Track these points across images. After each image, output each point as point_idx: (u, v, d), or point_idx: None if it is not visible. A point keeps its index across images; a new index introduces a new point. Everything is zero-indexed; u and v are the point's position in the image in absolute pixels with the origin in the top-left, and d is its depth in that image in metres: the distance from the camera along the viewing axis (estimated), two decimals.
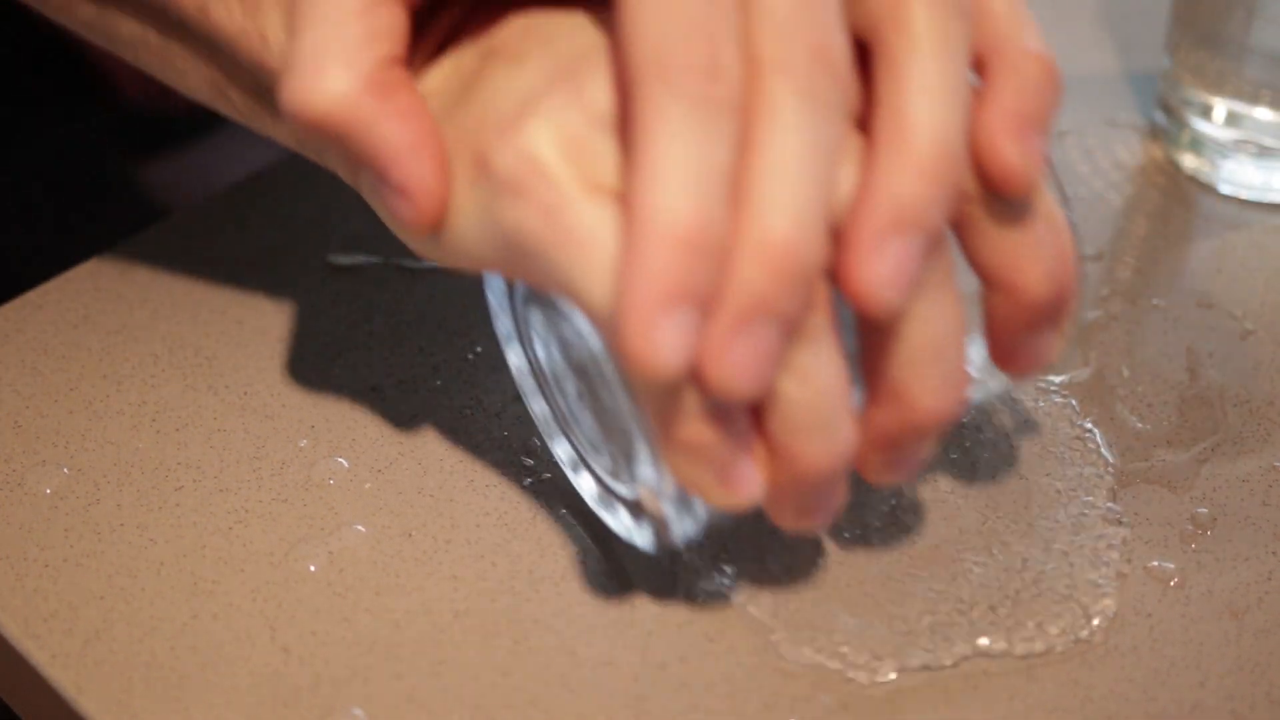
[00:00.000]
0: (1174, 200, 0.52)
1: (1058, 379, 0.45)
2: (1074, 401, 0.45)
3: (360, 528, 0.41)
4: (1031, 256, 0.35)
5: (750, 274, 0.30)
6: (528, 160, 0.32)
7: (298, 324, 0.47)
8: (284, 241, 0.49)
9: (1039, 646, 0.39)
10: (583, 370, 0.38)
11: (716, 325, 0.31)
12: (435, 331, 0.47)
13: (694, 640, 0.39)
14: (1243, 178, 0.52)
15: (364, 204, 0.51)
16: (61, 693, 0.38)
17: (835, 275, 0.32)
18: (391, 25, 0.34)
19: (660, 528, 0.37)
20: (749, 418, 0.33)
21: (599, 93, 0.33)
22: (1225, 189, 0.52)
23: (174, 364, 0.45)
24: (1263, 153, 0.51)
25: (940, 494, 0.42)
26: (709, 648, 0.39)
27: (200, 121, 0.64)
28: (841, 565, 0.40)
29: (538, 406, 0.40)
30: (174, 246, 0.49)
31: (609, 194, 0.32)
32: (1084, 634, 0.39)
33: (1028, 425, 0.44)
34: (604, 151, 0.32)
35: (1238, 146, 0.52)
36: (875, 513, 0.41)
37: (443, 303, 0.47)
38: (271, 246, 0.49)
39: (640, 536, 0.38)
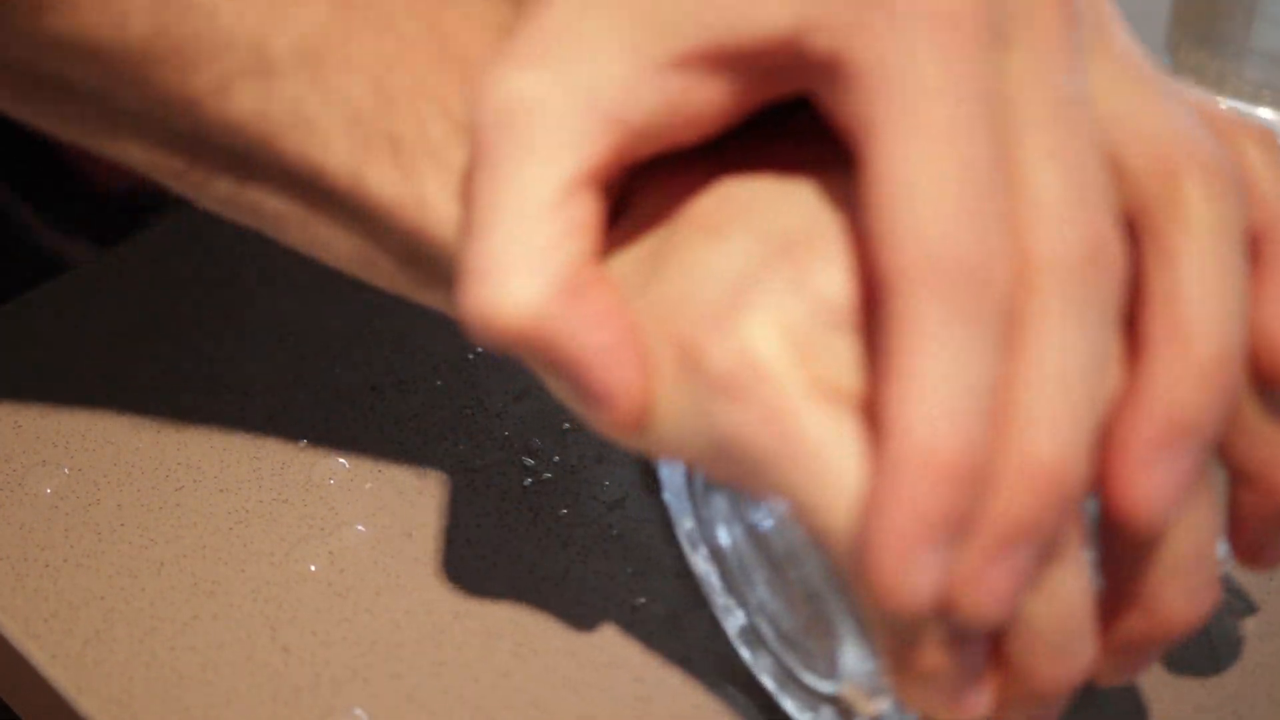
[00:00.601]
0: None
1: None
2: None
3: (360, 528, 0.41)
4: None
5: (1014, 499, 0.28)
6: (747, 359, 0.29)
7: (298, 324, 0.47)
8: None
9: None
10: (778, 561, 0.37)
11: (973, 552, 0.28)
12: (435, 331, 0.47)
13: (696, 641, 0.39)
14: None
15: None
16: (61, 693, 0.38)
17: (1096, 484, 0.30)
18: (588, 217, 0.30)
19: None
20: (987, 639, 0.30)
21: (828, 280, 0.29)
22: None
23: (174, 364, 0.45)
24: None
25: None
26: (711, 648, 0.39)
27: (165, 200, 0.64)
28: None
29: (710, 578, 0.38)
30: (174, 246, 0.49)
31: (842, 399, 0.29)
32: None
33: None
34: (836, 350, 0.29)
35: None
36: None
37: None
38: (271, 246, 0.49)
39: None
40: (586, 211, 0.30)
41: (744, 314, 0.29)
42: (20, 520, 0.41)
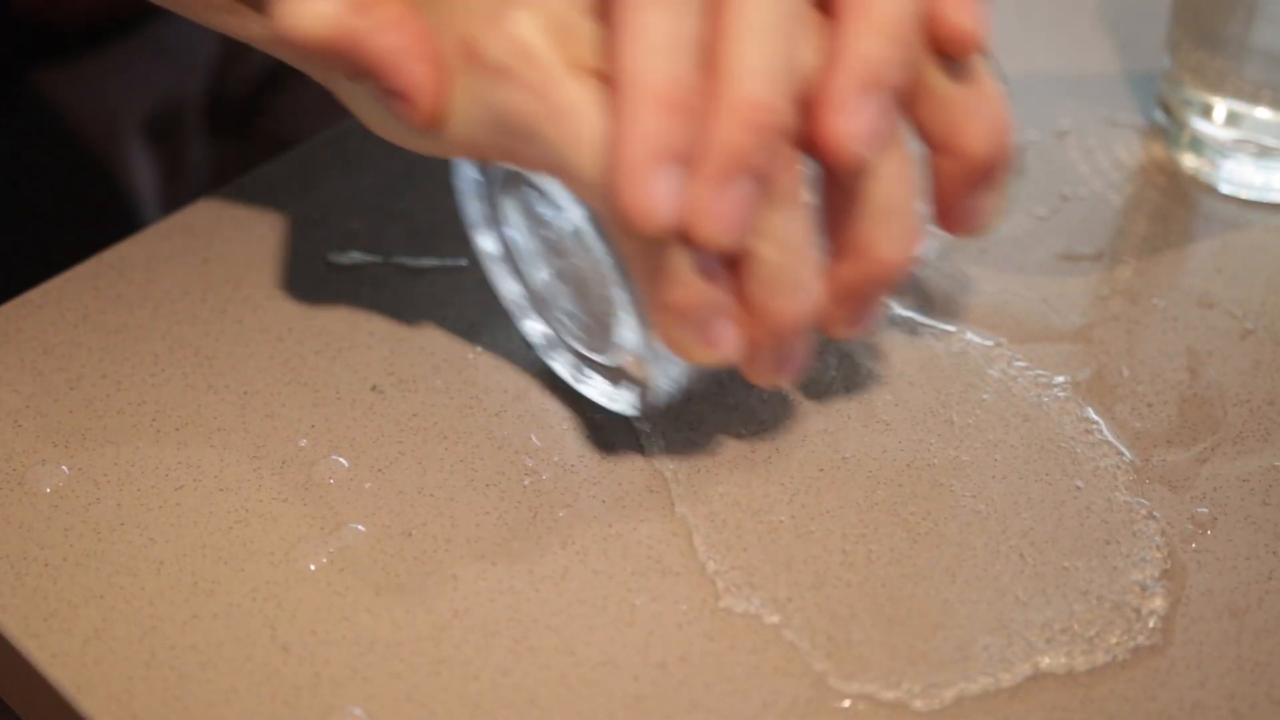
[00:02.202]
0: (1174, 200, 0.52)
1: (1060, 378, 0.45)
2: (1077, 395, 0.45)
3: (360, 527, 0.41)
4: (973, 119, 0.38)
5: (729, 132, 0.34)
6: (517, 45, 0.35)
7: (298, 324, 0.47)
8: (284, 241, 0.49)
9: (1101, 660, 0.38)
10: (561, 248, 0.42)
11: (700, 181, 0.34)
12: (435, 331, 0.47)
13: (693, 640, 0.39)
14: (1243, 177, 0.52)
15: (362, 203, 0.51)
16: (61, 692, 0.38)
17: (804, 139, 0.36)
18: None
19: (643, 389, 0.40)
20: (728, 281, 0.36)
21: None
22: (1225, 189, 0.52)
23: (174, 364, 0.45)
24: (1263, 152, 0.51)
25: (957, 499, 0.42)
26: (709, 647, 0.39)
27: (92, 32, 0.64)
28: (873, 584, 0.40)
29: (510, 287, 0.43)
30: (174, 246, 0.49)
31: (593, 73, 0.35)
32: (1141, 639, 0.39)
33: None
34: (586, 33, 0.35)
35: (1238, 146, 0.52)
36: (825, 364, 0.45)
37: (443, 303, 0.47)
38: (271, 246, 0.49)
39: (620, 402, 0.42)
40: None
41: (514, 10, 0.35)
42: (20, 520, 0.41)
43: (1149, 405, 0.45)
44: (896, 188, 0.37)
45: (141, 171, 0.67)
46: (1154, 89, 0.55)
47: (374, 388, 0.45)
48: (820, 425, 0.44)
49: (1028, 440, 0.43)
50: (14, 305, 0.47)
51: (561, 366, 0.44)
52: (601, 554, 0.41)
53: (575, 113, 0.35)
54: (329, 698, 0.37)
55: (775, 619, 0.39)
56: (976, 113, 0.38)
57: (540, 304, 0.44)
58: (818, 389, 0.45)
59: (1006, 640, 0.39)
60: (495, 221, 0.43)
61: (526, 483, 0.42)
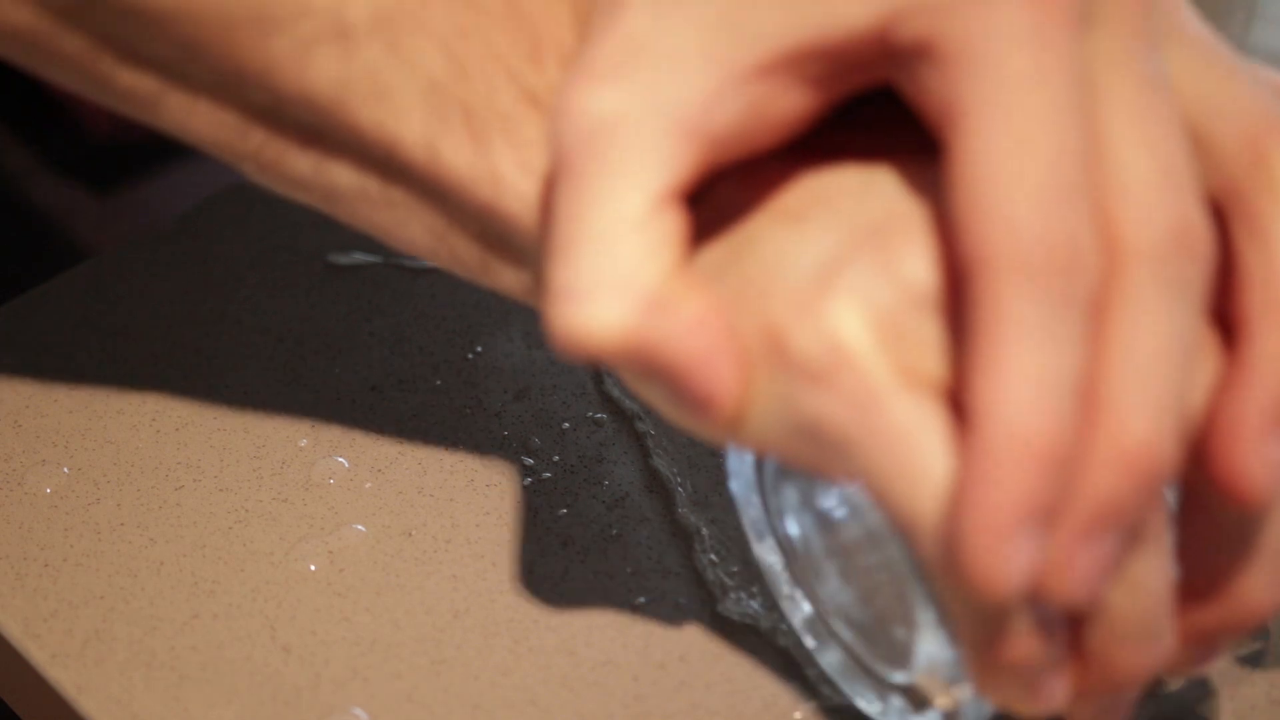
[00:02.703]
0: None
1: None
2: None
3: (360, 527, 0.41)
4: (1259, 564, 0.32)
5: (1105, 481, 0.28)
6: (834, 345, 0.29)
7: (298, 324, 0.47)
8: (284, 241, 0.49)
9: None
10: (851, 550, 0.37)
11: (1063, 534, 0.28)
12: (435, 331, 0.47)
13: (693, 640, 0.39)
14: None
15: None
16: (61, 692, 0.38)
17: (1197, 466, 0.30)
18: (674, 230, 0.29)
19: (951, 716, 0.36)
20: (1068, 628, 0.30)
21: (914, 265, 0.29)
22: None
23: (174, 364, 0.45)
24: None
25: None
26: (708, 647, 0.39)
27: (163, 149, 0.63)
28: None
29: (792, 600, 0.38)
30: (174, 246, 0.49)
31: (929, 386, 0.29)
32: None
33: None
34: (923, 336, 0.29)
35: None
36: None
37: (443, 303, 0.47)
38: (271, 246, 0.49)
39: None
40: (672, 225, 0.29)
41: (830, 299, 0.29)
42: (20, 520, 0.41)
43: None
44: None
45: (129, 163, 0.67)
46: None
47: (374, 388, 0.45)
48: None
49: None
50: (14, 305, 0.47)
51: (829, 662, 0.38)
52: (602, 554, 0.41)
53: (905, 438, 0.28)
54: (329, 698, 0.37)
55: (771, 621, 0.39)
56: (1268, 558, 0.32)
57: (809, 587, 0.38)
58: None
59: None
60: (772, 520, 0.38)
61: (526, 482, 0.42)
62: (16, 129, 0.63)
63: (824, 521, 0.37)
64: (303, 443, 0.43)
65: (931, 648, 0.34)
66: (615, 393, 0.45)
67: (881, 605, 0.36)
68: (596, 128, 0.29)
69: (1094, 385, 0.28)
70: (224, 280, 0.48)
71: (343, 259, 0.49)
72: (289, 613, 0.39)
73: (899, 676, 0.36)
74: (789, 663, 0.38)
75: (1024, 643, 0.29)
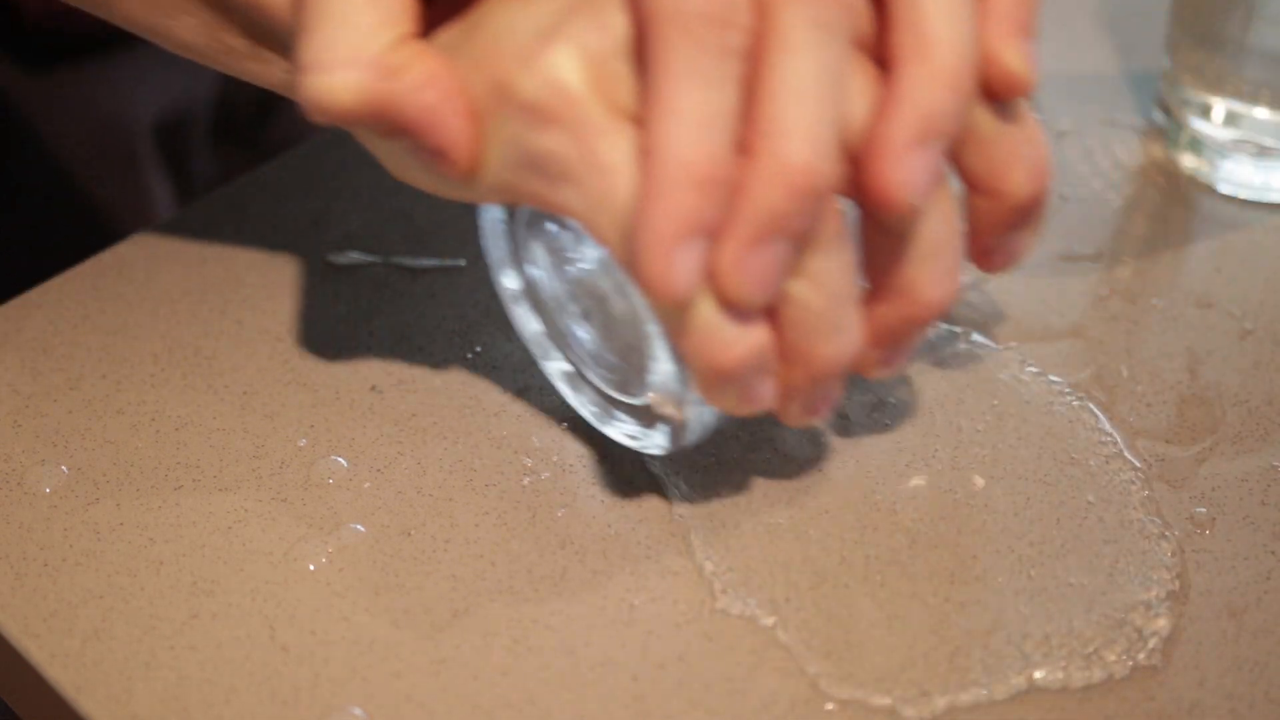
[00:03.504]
0: (1173, 200, 0.52)
1: (1058, 379, 0.45)
2: (1092, 405, 0.45)
3: (360, 527, 0.41)
4: (1016, 161, 0.37)
5: (768, 195, 0.33)
6: (555, 86, 0.34)
7: (298, 324, 0.47)
8: (283, 242, 0.49)
9: (1097, 676, 0.38)
10: (588, 288, 0.41)
11: (733, 242, 0.33)
12: (435, 331, 0.47)
13: (693, 640, 0.39)
14: (1242, 178, 0.52)
15: (362, 203, 0.51)
16: (61, 692, 0.38)
17: (854, 184, 0.35)
18: (403, 5, 0.34)
19: (676, 430, 0.40)
20: (766, 331, 0.35)
21: (617, 16, 0.34)
22: (1224, 189, 0.52)
23: (174, 364, 0.46)
24: (1262, 153, 0.51)
25: (962, 506, 0.42)
26: (708, 647, 0.39)
27: (102, 40, 0.64)
28: (871, 588, 0.40)
29: (531, 327, 0.43)
30: (173, 246, 0.49)
31: (630, 118, 0.34)
32: (1140, 658, 0.39)
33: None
34: (624, 75, 0.34)
35: (1237, 146, 0.52)
36: (857, 406, 0.44)
37: (443, 302, 0.47)
38: (271, 247, 0.49)
39: (646, 442, 0.41)
40: (400, 2, 0.34)
41: (553, 47, 0.34)
42: (20, 520, 0.41)
43: (1148, 405, 0.45)
44: (941, 230, 0.36)
45: (151, 180, 0.67)
46: (1154, 89, 0.55)
47: (374, 388, 0.45)
48: (821, 426, 0.44)
49: (1039, 450, 0.43)
50: (14, 305, 0.47)
51: (584, 406, 0.43)
52: (600, 554, 0.41)
53: (610, 165, 0.34)
54: (329, 698, 0.38)
55: (771, 620, 0.39)
56: (1019, 154, 0.38)
57: (563, 343, 0.43)
58: None
59: (1002, 651, 0.39)
60: (519, 260, 0.42)
61: (526, 482, 0.42)
62: None
63: (565, 261, 0.41)
64: (302, 443, 0.43)
65: (663, 371, 0.39)
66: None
67: (624, 345, 0.41)
68: None
69: (755, 117, 0.33)
70: (224, 280, 0.48)
71: (343, 259, 0.49)
72: (289, 613, 0.39)
73: (631, 399, 0.42)
74: (789, 662, 0.38)
75: (724, 343, 0.34)
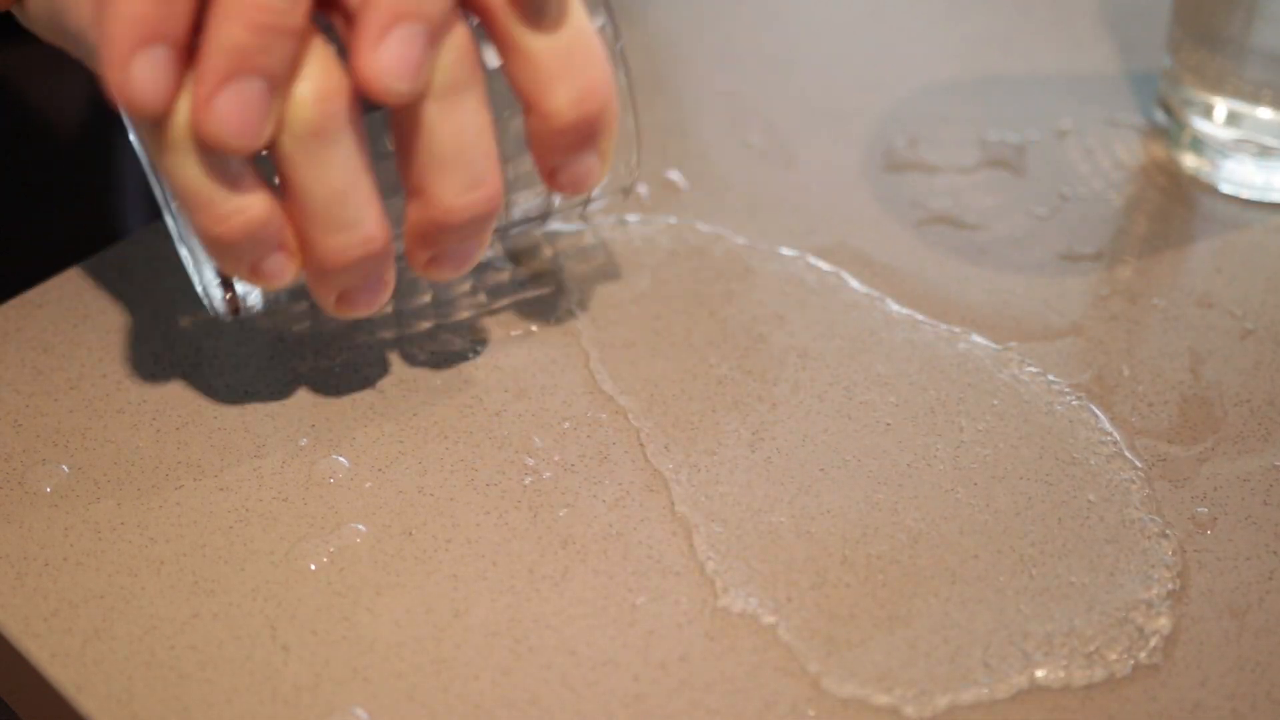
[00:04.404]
0: (1174, 200, 0.52)
1: (1058, 379, 0.45)
2: (1092, 405, 0.45)
3: (360, 527, 0.41)
4: (558, 79, 0.37)
5: (230, 29, 0.34)
6: None
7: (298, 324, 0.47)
8: None
9: (1099, 675, 0.38)
10: None
11: (203, 76, 0.34)
12: (435, 331, 0.47)
13: (694, 640, 0.39)
14: (1243, 177, 0.52)
15: None
16: (61, 692, 0.38)
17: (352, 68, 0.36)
18: None
19: (229, 300, 0.41)
20: (277, 208, 0.36)
21: None
22: (1226, 189, 0.52)
23: (174, 364, 0.45)
24: (1263, 152, 0.51)
25: (963, 506, 0.42)
26: (709, 647, 0.39)
27: None
28: (872, 587, 0.40)
29: (155, 183, 0.42)
30: (174, 246, 0.49)
31: None
32: (1142, 656, 0.39)
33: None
34: None
35: (1238, 146, 0.52)
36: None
37: (443, 302, 0.47)
38: None
39: (217, 304, 0.42)
40: None
41: None
42: (20, 519, 0.41)
43: (1149, 405, 0.45)
44: (460, 135, 0.36)
45: (129, 161, 0.67)
46: (1154, 89, 0.55)
47: (374, 388, 0.45)
48: (821, 425, 0.44)
49: (1039, 449, 0.43)
50: (14, 305, 0.47)
51: (185, 261, 0.43)
52: (601, 554, 0.41)
53: None
54: (329, 698, 0.37)
55: (772, 619, 0.39)
56: (562, 73, 0.37)
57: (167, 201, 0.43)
58: (817, 387, 0.45)
59: (1003, 650, 0.39)
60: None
61: (526, 482, 0.42)
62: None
63: None
64: (303, 442, 0.43)
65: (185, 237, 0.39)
66: (609, 389, 0.45)
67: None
68: None
69: None
70: None
71: None
72: (289, 612, 0.39)
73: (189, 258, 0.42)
74: (791, 661, 0.38)
75: (221, 204, 0.35)
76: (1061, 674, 0.38)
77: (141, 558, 0.40)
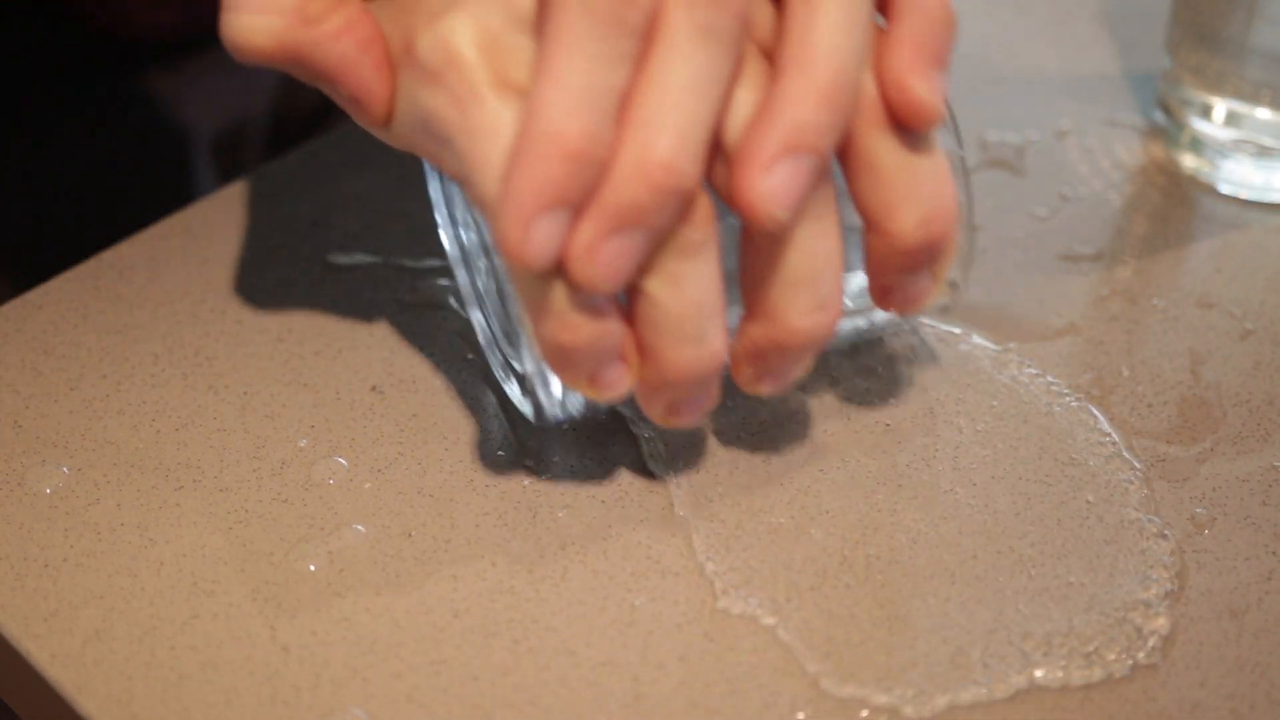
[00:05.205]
0: (1174, 200, 0.52)
1: (1058, 379, 0.45)
2: (1091, 406, 0.45)
3: (360, 528, 0.41)
4: (908, 201, 0.36)
5: (626, 185, 0.33)
6: (447, 50, 0.35)
7: (298, 324, 0.47)
8: (284, 241, 0.49)
9: (1097, 675, 0.38)
10: (489, 250, 0.42)
11: (589, 225, 0.34)
12: (435, 331, 0.47)
13: (693, 640, 0.39)
14: (1242, 178, 0.52)
15: (363, 204, 0.51)
16: (61, 692, 0.38)
17: (726, 191, 0.35)
18: None
19: (537, 402, 0.40)
20: (622, 320, 0.36)
21: None
22: (1225, 189, 0.52)
23: (174, 364, 0.45)
24: (1262, 153, 0.51)
25: (962, 506, 0.42)
26: (708, 647, 0.39)
27: (163, 49, 0.64)
28: (872, 587, 0.40)
29: (461, 277, 0.43)
30: (174, 246, 0.49)
31: (518, 92, 0.34)
32: (1140, 656, 0.39)
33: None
34: (520, 49, 0.35)
35: (1237, 146, 0.52)
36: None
37: (443, 303, 0.47)
38: (271, 246, 0.49)
39: (525, 409, 0.42)
40: None
41: (451, 13, 0.35)
42: (20, 520, 0.41)
43: (1148, 405, 0.45)
44: (814, 258, 0.36)
45: (202, 193, 0.68)
46: (1154, 89, 0.55)
47: (374, 388, 0.45)
48: (821, 426, 0.44)
49: (1039, 450, 0.43)
50: (14, 305, 0.47)
51: (493, 362, 0.44)
52: (601, 554, 0.41)
53: (490, 134, 0.34)
54: (329, 698, 0.37)
55: (772, 620, 0.39)
56: (915, 193, 0.36)
57: (479, 298, 0.44)
58: (817, 389, 0.45)
59: (1002, 650, 0.39)
60: (451, 216, 0.43)
61: (526, 483, 0.42)
62: (23, 25, 0.65)
63: (479, 222, 0.42)
64: (303, 443, 0.43)
65: (529, 347, 0.39)
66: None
67: (509, 301, 0.40)
68: None
69: (627, 106, 0.33)
70: (224, 280, 0.48)
71: (343, 259, 0.49)
72: (289, 613, 0.39)
73: (518, 365, 0.42)
74: (790, 661, 0.38)
75: (572, 324, 0.35)
76: (1060, 674, 0.38)
77: (141, 558, 0.40)
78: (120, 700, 0.37)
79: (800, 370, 0.38)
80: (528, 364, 0.39)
